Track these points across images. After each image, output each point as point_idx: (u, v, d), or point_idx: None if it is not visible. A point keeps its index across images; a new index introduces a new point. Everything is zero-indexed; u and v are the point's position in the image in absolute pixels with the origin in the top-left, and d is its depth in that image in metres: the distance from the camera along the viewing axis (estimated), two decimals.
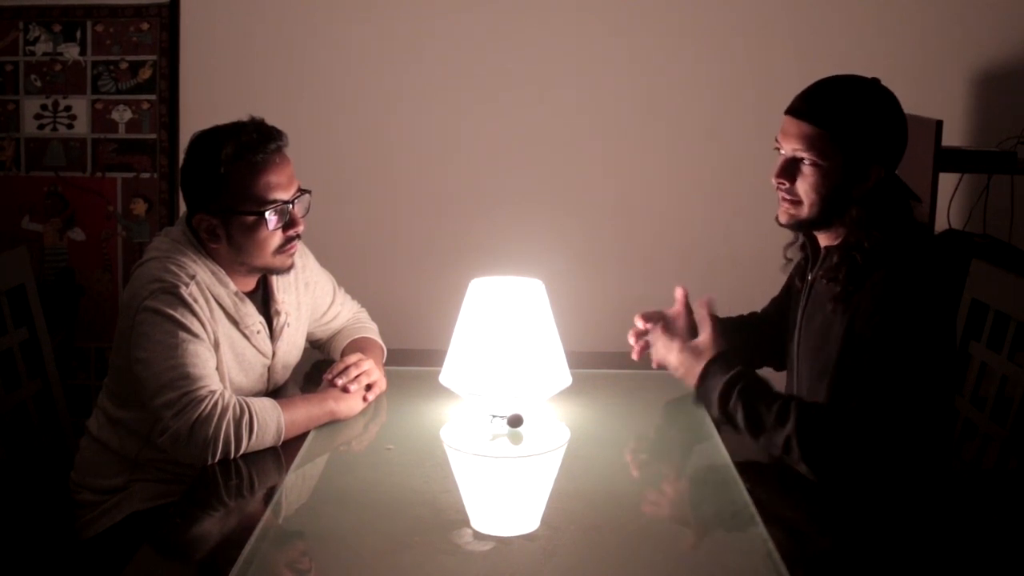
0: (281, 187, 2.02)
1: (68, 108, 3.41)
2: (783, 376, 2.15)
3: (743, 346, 2.20)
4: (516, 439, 1.97)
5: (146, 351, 1.93)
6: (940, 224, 3.18)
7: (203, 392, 1.88)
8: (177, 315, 1.94)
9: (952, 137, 3.17)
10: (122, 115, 3.41)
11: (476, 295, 2.01)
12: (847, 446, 1.73)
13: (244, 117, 2.06)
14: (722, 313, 2.23)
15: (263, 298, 2.17)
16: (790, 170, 1.88)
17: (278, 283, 2.18)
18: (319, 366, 2.32)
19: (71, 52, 3.39)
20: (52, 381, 2.29)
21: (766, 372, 2.18)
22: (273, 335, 2.16)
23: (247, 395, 2.01)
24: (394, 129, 3.41)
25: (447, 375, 2.02)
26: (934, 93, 3.23)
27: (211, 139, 2.02)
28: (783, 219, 1.93)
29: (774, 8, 3.33)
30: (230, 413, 1.86)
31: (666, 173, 3.40)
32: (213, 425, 1.84)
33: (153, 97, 3.40)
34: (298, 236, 2.08)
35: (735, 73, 3.34)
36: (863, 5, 3.31)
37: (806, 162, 1.86)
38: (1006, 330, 2.12)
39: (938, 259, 1.85)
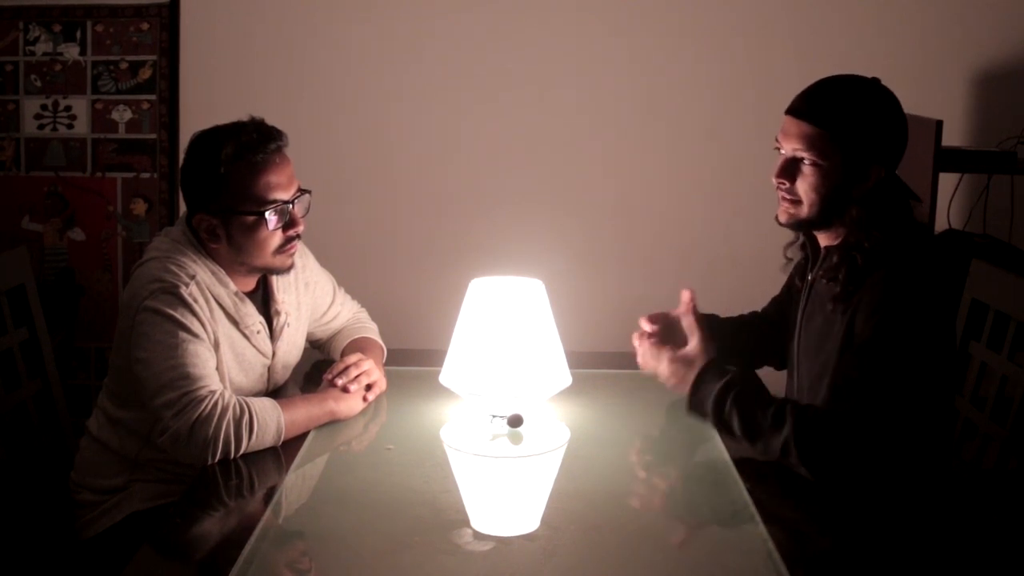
0: (281, 187, 2.02)
1: (68, 108, 3.41)
2: (783, 376, 2.15)
3: (743, 346, 2.20)
4: (516, 439, 1.97)
5: (146, 351, 1.93)
6: (940, 224, 3.18)
7: (203, 392, 1.88)
8: (177, 315, 1.94)
9: (952, 137, 3.17)
10: (122, 115, 3.41)
11: (476, 295, 2.01)
12: (845, 448, 1.73)
13: (244, 117, 2.06)
14: (722, 313, 2.24)
15: (263, 298, 2.17)
16: (790, 170, 1.88)
17: (278, 283, 2.18)
18: (319, 366, 2.32)
19: (71, 52, 3.39)
20: (52, 381, 2.29)
21: (766, 372, 2.18)
22: (273, 335, 2.16)
23: (247, 395, 2.01)
24: (394, 129, 3.41)
25: (447, 375, 2.02)
26: (934, 93, 3.23)
27: (211, 139, 2.02)
28: (783, 219, 1.93)
29: (774, 8, 3.33)
30: (230, 413, 1.86)
31: (666, 173, 3.40)
32: (213, 425, 1.84)
33: (153, 97, 3.40)
34: (298, 236, 2.08)
35: (735, 73, 3.34)
36: (863, 5, 3.31)
37: (806, 162, 1.86)
38: (1006, 330, 2.12)
39: (938, 259, 1.85)
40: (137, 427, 2.06)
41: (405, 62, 3.37)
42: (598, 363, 2.36)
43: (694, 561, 1.60)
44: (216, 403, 1.86)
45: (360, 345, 2.30)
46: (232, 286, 2.06)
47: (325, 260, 2.38)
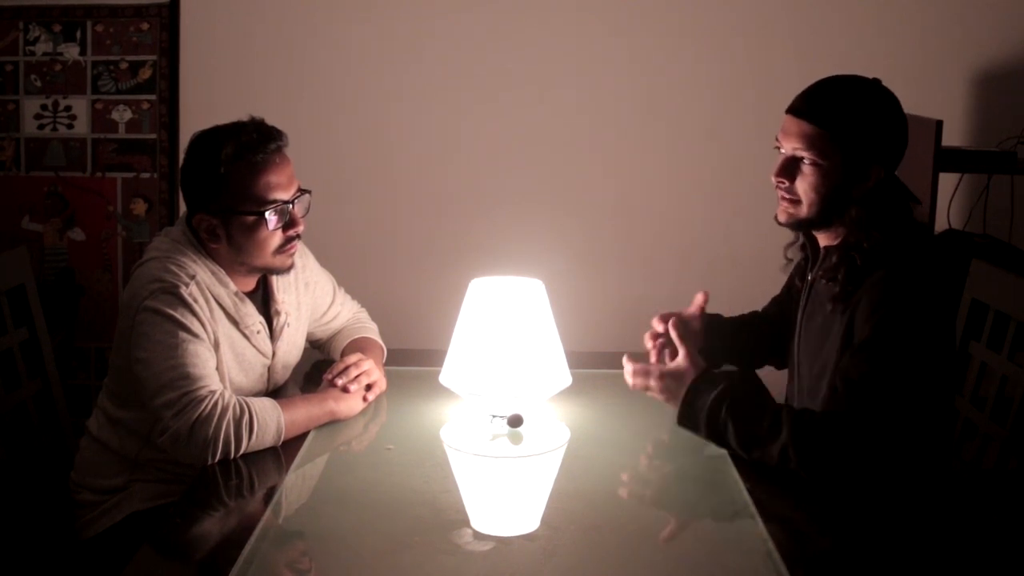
0: (281, 187, 2.02)
1: (68, 108, 3.41)
2: (783, 376, 2.15)
3: (744, 346, 2.20)
4: (516, 439, 1.97)
5: (146, 351, 1.93)
6: (940, 224, 3.18)
7: (203, 392, 1.88)
8: (177, 315, 1.94)
9: (952, 137, 3.17)
10: (122, 115, 3.41)
11: (476, 295, 2.01)
12: (844, 451, 1.73)
13: (244, 117, 2.06)
14: (722, 313, 2.24)
15: (263, 298, 2.17)
16: (790, 169, 1.88)
17: (278, 283, 2.18)
18: (319, 366, 2.32)
19: (71, 52, 3.39)
20: (52, 381, 2.29)
21: (767, 372, 2.18)
22: (273, 335, 2.16)
23: (247, 395, 2.01)
24: (394, 129, 3.41)
25: (447, 375, 2.02)
26: (934, 93, 3.23)
27: (211, 139, 2.02)
28: (782, 218, 1.93)
29: (774, 8, 3.33)
30: (230, 413, 1.86)
31: (666, 173, 3.40)
32: (213, 425, 1.84)
33: (153, 97, 3.40)
34: (298, 236, 2.08)
35: (735, 73, 3.34)
36: (863, 5, 3.31)
37: (806, 161, 1.86)
38: (1006, 330, 2.12)
39: (938, 259, 1.85)
40: (137, 427, 2.06)
41: (405, 62, 3.37)
42: (598, 363, 2.36)
43: (694, 561, 1.60)
44: (216, 403, 1.86)
45: (360, 345, 2.30)
46: (232, 286, 2.06)
47: (325, 260, 2.38)
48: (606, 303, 3.32)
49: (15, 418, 2.19)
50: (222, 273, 2.05)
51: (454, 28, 3.36)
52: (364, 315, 2.45)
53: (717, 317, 2.20)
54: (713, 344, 2.13)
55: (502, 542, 1.61)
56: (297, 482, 1.83)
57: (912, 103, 2.06)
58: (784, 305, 2.18)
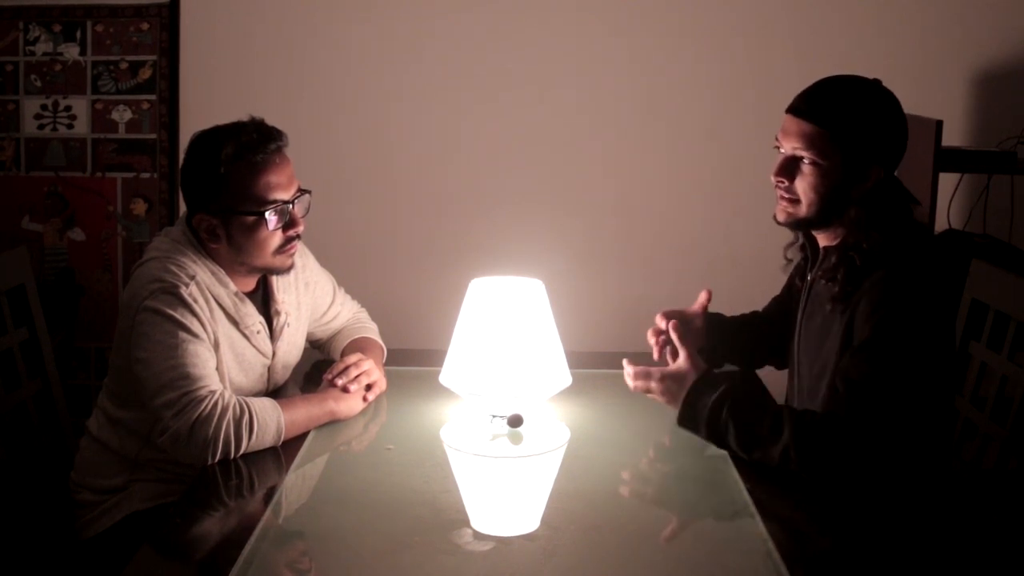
0: (281, 187, 2.02)
1: (68, 108, 3.41)
2: (784, 375, 2.15)
3: (744, 345, 2.20)
4: (516, 439, 1.97)
5: (146, 351, 1.93)
6: (940, 224, 3.18)
7: (203, 392, 1.88)
8: (177, 315, 1.94)
9: (952, 137, 3.17)
10: (122, 115, 3.41)
11: (476, 295, 2.01)
12: (845, 452, 1.73)
13: (244, 117, 2.06)
14: (723, 313, 2.24)
15: (263, 298, 2.17)
16: (789, 169, 1.88)
17: (278, 283, 2.18)
18: (319, 366, 2.32)
19: (71, 52, 3.39)
20: (52, 381, 2.29)
21: (767, 372, 2.18)
22: (273, 335, 2.16)
23: (247, 395, 2.01)
24: (394, 129, 3.41)
25: (447, 375, 2.02)
26: (934, 93, 3.23)
27: (211, 139, 2.02)
28: (781, 217, 1.93)
29: (774, 8, 3.33)
30: (230, 413, 1.86)
31: (666, 173, 3.40)
32: (213, 425, 1.84)
33: (153, 97, 3.40)
34: (298, 236, 2.08)
35: (735, 73, 3.34)
36: (863, 5, 3.31)
37: (806, 161, 1.86)
38: (1006, 330, 2.12)
39: (938, 259, 1.85)
40: (137, 427, 2.06)
41: (405, 62, 3.37)
42: (598, 363, 2.36)
43: (694, 561, 1.60)
44: (216, 403, 1.86)
45: (360, 345, 2.30)
46: (232, 286, 2.06)
47: (325, 260, 2.38)
48: (606, 303, 3.32)
49: (15, 418, 2.19)
50: (222, 273, 2.05)
51: (454, 28, 3.36)
52: (364, 315, 2.45)
53: (718, 316, 2.20)
54: (714, 343, 2.13)
55: (502, 542, 1.61)
56: (297, 482, 1.83)
57: (912, 103, 2.06)
58: (784, 305, 2.18)
